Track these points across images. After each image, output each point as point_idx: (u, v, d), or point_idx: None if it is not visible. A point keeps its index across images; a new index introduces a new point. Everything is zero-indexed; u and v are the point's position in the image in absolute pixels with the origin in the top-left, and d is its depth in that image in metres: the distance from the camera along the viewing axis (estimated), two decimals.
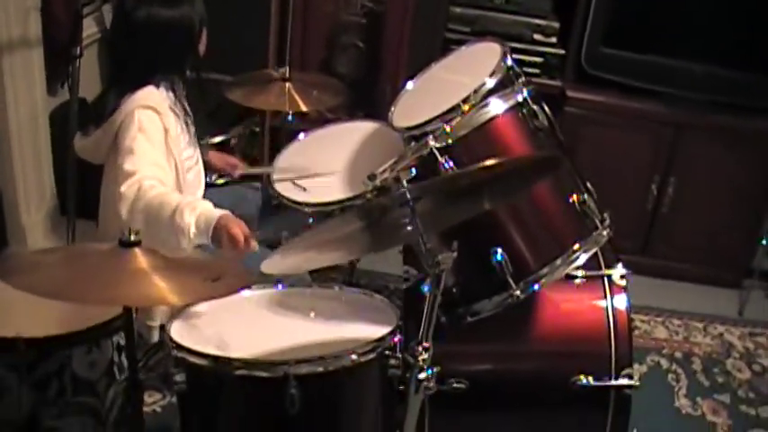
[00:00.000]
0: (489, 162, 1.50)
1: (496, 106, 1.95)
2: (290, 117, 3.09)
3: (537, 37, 3.50)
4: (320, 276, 2.52)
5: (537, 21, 3.49)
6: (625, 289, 2.20)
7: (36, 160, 3.23)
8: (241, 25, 3.49)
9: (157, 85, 2.27)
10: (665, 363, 3.13)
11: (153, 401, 2.63)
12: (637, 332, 3.29)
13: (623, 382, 2.11)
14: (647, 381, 2.98)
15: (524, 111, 1.97)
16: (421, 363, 1.62)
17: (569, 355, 2.16)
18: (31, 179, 3.23)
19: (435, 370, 1.66)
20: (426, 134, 1.96)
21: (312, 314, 2.01)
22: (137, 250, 1.51)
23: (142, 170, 2.11)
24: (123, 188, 2.08)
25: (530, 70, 3.50)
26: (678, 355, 3.19)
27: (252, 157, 3.06)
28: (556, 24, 3.49)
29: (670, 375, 3.07)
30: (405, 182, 1.62)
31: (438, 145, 1.88)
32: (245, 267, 1.77)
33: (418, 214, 1.60)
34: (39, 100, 3.19)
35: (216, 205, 2.17)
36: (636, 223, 3.59)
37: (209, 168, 2.62)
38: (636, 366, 2.97)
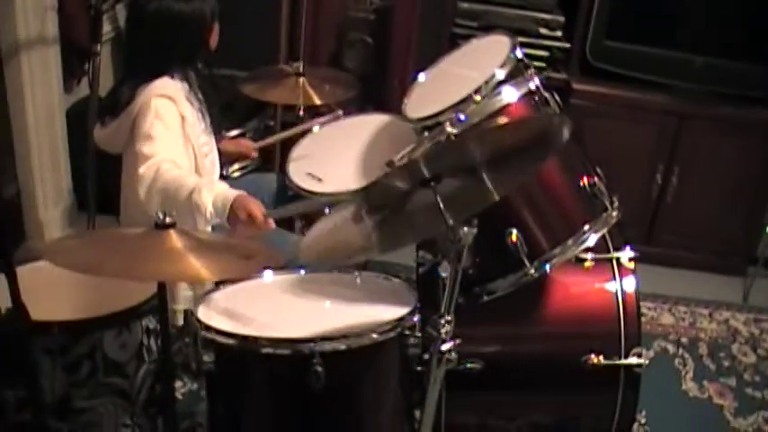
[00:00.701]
0: (501, 120, 1.57)
1: (509, 94, 2.01)
2: (301, 112, 3.14)
3: (542, 31, 3.56)
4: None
5: (542, 15, 3.56)
6: (633, 271, 2.26)
7: (53, 156, 3.30)
8: (253, 22, 3.56)
9: (171, 76, 2.33)
10: (671, 348, 3.20)
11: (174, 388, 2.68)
12: (644, 319, 3.26)
13: (633, 360, 2.16)
14: (654, 365, 3.03)
15: (536, 98, 2.03)
16: (443, 335, 1.69)
17: (580, 336, 2.22)
18: (49, 175, 3.29)
19: (458, 342, 1.72)
20: (440, 123, 2.03)
21: (333, 297, 2.08)
22: (171, 231, 1.58)
23: (160, 153, 2.18)
24: (142, 170, 2.15)
25: (536, 63, 3.52)
26: (684, 340, 3.25)
27: (266, 151, 3.12)
28: (561, 18, 3.56)
29: (677, 360, 3.13)
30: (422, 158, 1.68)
31: (454, 131, 1.94)
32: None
33: (439, 194, 1.66)
34: (55, 97, 3.25)
35: None
36: (641, 212, 3.66)
37: (224, 156, 2.69)
38: (643, 351, 3.09)
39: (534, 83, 2.04)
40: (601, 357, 2.16)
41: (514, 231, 2.00)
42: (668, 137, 3.53)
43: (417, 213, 1.76)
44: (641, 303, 3.34)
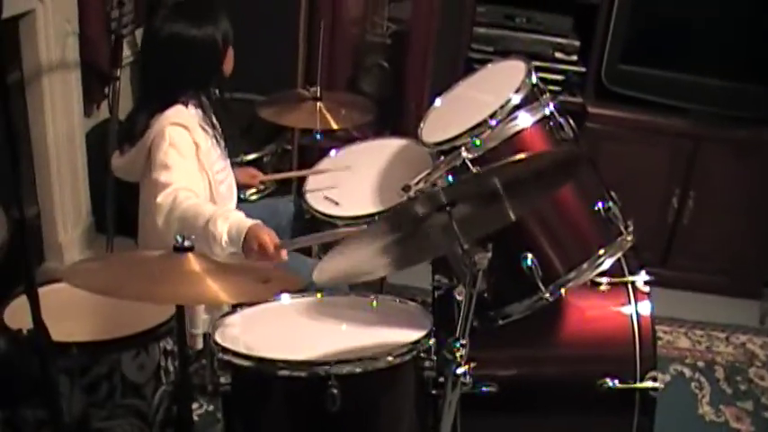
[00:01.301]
0: (519, 156, 1.59)
1: (524, 119, 2.03)
2: (318, 135, 3.17)
3: (558, 55, 3.58)
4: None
5: (558, 39, 3.57)
6: (648, 295, 2.27)
7: (73, 179, 3.33)
8: (271, 46, 3.60)
9: (186, 104, 2.36)
10: (687, 372, 3.18)
11: (195, 407, 2.70)
12: (660, 342, 3.34)
13: (648, 384, 2.17)
14: (670, 389, 3.04)
15: (551, 123, 2.05)
16: (458, 358, 1.70)
17: (595, 359, 2.23)
18: (68, 197, 3.32)
19: (473, 365, 1.73)
20: (456, 148, 2.05)
21: (349, 320, 2.09)
22: (190, 255, 1.60)
23: (177, 182, 2.20)
24: (160, 199, 2.17)
25: (551, 87, 3.54)
26: (701, 364, 3.24)
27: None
28: (576, 42, 3.57)
29: (693, 384, 3.12)
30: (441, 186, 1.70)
31: (470, 156, 1.96)
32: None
33: (454, 219, 1.68)
34: (76, 120, 3.29)
35: (248, 217, 2.27)
36: (657, 236, 3.65)
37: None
38: (659, 375, 3.08)
39: (549, 108, 2.06)
40: (616, 381, 2.17)
41: (530, 255, 2.02)
42: (684, 160, 3.53)
43: (432, 234, 1.78)
44: (657, 327, 3.37)
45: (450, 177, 1.99)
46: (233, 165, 2.81)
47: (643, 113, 3.52)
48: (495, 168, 1.63)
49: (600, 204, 2.10)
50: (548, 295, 2.03)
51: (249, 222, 2.13)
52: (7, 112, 1.29)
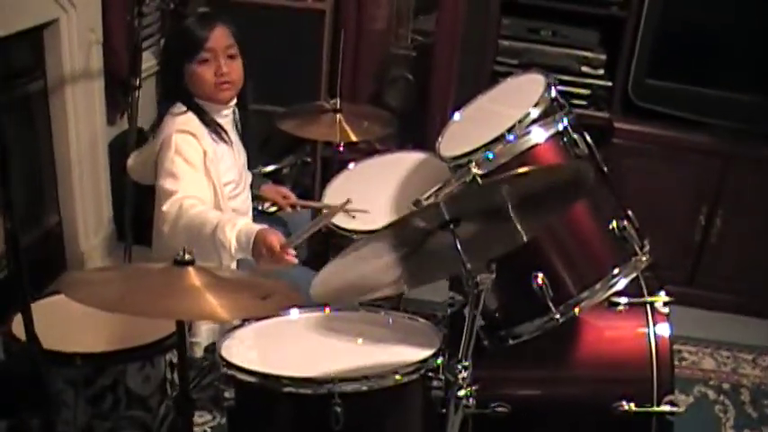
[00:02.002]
0: (522, 169, 1.56)
1: (538, 135, 1.99)
2: (340, 147, 3.15)
3: (584, 69, 3.53)
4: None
5: (584, 53, 3.52)
6: (668, 316, 2.22)
7: (95, 187, 3.35)
8: (294, 59, 3.60)
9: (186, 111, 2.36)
10: (712, 394, 3.11)
11: (203, 422, 2.68)
12: (684, 363, 3.27)
13: (665, 408, 2.12)
14: (693, 412, 2.97)
15: (565, 139, 2.01)
16: (460, 381, 1.66)
17: (611, 381, 2.18)
18: (90, 205, 3.34)
19: (475, 388, 1.69)
20: (470, 162, 2.01)
21: (358, 337, 2.06)
22: (190, 269, 1.58)
23: (182, 190, 2.20)
24: (165, 207, 2.17)
25: (577, 102, 3.54)
26: (726, 386, 3.16)
27: (303, 186, 3.14)
28: (603, 56, 3.52)
29: (717, 407, 3.04)
30: (443, 201, 1.66)
31: (481, 171, 1.93)
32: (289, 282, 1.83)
33: (460, 238, 1.65)
34: (98, 129, 3.31)
35: None
36: (684, 254, 3.58)
37: (261, 199, 2.69)
38: (682, 397, 3.02)
39: (563, 123, 2.01)
40: (632, 404, 2.12)
41: (540, 275, 1.98)
42: (712, 177, 3.46)
43: (441, 252, 1.74)
44: (682, 347, 3.32)
45: None
46: (258, 178, 2.81)
47: (670, 129, 3.46)
48: (498, 181, 1.60)
49: (614, 223, 2.05)
50: (558, 316, 1.98)
51: (257, 227, 2.13)
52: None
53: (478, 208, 1.70)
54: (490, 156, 1.96)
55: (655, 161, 3.49)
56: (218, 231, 2.09)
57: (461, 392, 1.67)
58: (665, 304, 2.24)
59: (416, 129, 3.69)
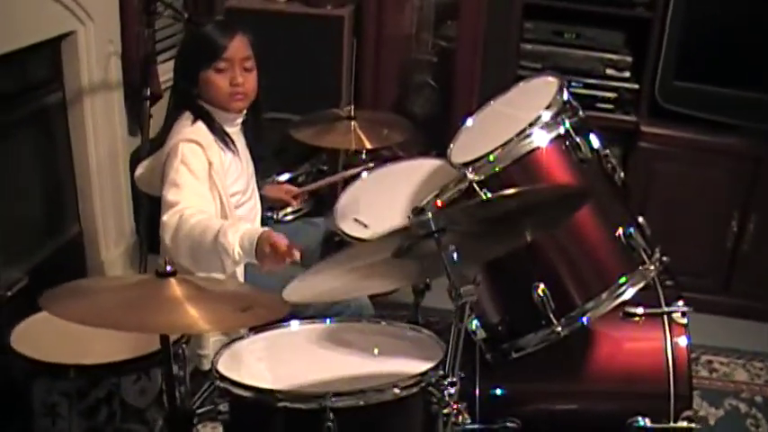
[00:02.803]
0: (508, 191, 1.49)
1: (539, 138, 1.93)
2: (363, 156, 3.11)
3: (609, 72, 3.44)
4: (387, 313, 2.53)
5: (609, 55, 3.44)
6: (686, 327, 2.13)
7: (116, 197, 3.35)
8: (314, 67, 3.58)
9: (195, 120, 2.34)
10: (743, 407, 2.99)
11: None
12: (715, 375, 3.16)
13: (683, 425, 2.04)
14: (722, 425, 2.87)
15: (567, 143, 1.94)
16: (447, 397, 1.59)
17: (626, 396, 2.12)
18: (111, 216, 3.34)
19: (462, 406, 1.62)
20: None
21: (358, 348, 2.01)
22: (172, 280, 1.55)
23: (184, 200, 2.17)
24: (165, 217, 2.15)
25: (603, 106, 3.45)
26: (758, 399, 3.03)
27: (318, 195, 3.10)
28: (629, 58, 3.43)
29: (749, 420, 2.92)
30: (429, 212, 1.61)
31: (477, 178, 1.87)
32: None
33: (453, 246, 1.59)
34: (119, 139, 3.32)
35: None
36: (715, 261, 3.46)
37: (266, 202, 2.66)
38: (711, 410, 2.91)
39: (564, 126, 1.93)
40: (648, 420, 2.06)
41: (541, 286, 1.90)
42: (743, 182, 3.33)
43: (426, 260, 1.69)
44: (713, 358, 3.21)
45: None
46: (265, 183, 2.78)
47: (699, 132, 3.35)
48: (484, 203, 1.53)
49: (621, 230, 1.97)
50: (560, 329, 1.91)
51: (260, 230, 2.10)
52: None
53: (476, 216, 1.64)
54: (491, 159, 1.89)
55: (683, 165, 3.38)
56: (221, 237, 2.05)
57: (446, 410, 1.60)
58: (684, 314, 2.14)
59: (440, 135, 3.63)
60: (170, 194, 2.17)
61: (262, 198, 2.61)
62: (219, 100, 2.36)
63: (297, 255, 2.04)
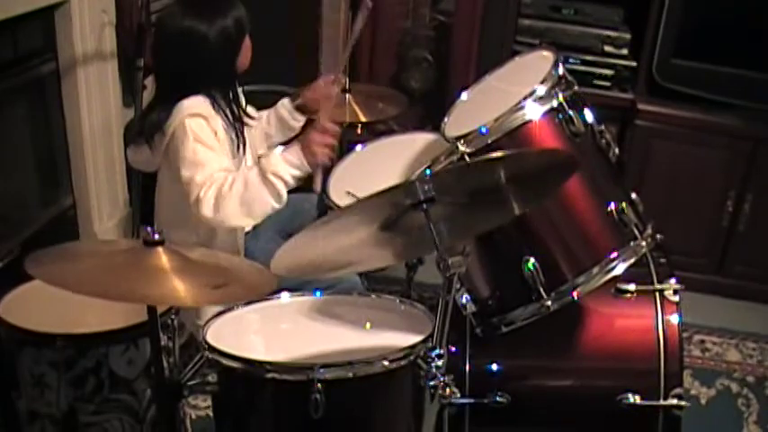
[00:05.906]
0: (496, 154, 1.47)
1: (532, 111, 1.91)
2: (359, 131, 3.09)
3: (607, 48, 3.42)
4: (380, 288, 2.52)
5: (607, 32, 3.42)
6: (677, 305, 2.11)
7: (110, 169, 3.33)
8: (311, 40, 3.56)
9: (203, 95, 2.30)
10: (735, 387, 2.99)
11: (207, 405, 2.65)
12: (707, 354, 3.16)
13: (673, 402, 2.03)
14: (714, 405, 2.87)
15: (560, 116, 1.92)
16: (434, 370, 1.59)
17: (616, 373, 2.11)
18: (104, 187, 3.32)
19: (449, 378, 1.62)
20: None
21: (349, 321, 2.01)
22: (159, 249, 1.53)
23: (213, 174, 2.17)
24: (201, 193, 2.14)
25: (600, 83, 3.44)
26: (750, 379, 3.04)
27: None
28: (627, 35, 3.41)
29: (740, 400, 2.92)
30: (416, 179, 1.59)
31: (468, 150, 1.85)
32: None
33: (440, 218, 1.57)
34: (113, 111, 3.29)
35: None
36: (710, 241, 3.46)
37: (306, 112, 2.65)
38: (703, 390, 2.92)
39: (557, 99, 1.91)
40: (637, 397, 2.04)
41: (531, 260, 1.89)
42: (740, 161, 3.32)
43: (415, 232, 1.67)
44: (706, 337, 3.21)
45: None
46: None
47: (697, 111, 3.33)
48: (471, 165, 1.51)
49: (613, 205, 1.95)
50: (550, 303, 1.90)
51: (295, 145, 2.18)
52: None
53: (465, 186, 1.62)
54: (483, 131, 1.87)
55: (680, 144, 3.37)
56: (267, 174, 2.12)
57: (432, 382, 1.59)
58: (675, 292, 2.13)
59: (436, 110, 3.61)
60: (198, 175, 2.15)
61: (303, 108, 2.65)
62: (247, 60, 2.39)
63: (335, 126, 2.21)
